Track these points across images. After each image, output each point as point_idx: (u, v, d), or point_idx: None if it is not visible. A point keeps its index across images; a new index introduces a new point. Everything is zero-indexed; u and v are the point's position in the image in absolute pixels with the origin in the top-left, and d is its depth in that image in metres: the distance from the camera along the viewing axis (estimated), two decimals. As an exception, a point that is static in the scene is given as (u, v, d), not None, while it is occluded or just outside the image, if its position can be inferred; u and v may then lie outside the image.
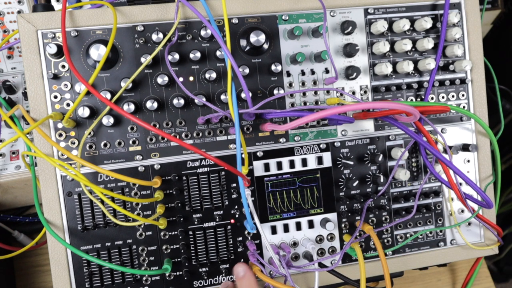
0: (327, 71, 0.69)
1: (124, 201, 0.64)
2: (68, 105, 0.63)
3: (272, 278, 0.67)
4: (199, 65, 0.65)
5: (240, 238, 0.68)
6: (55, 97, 0.62)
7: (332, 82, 0.68)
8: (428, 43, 0.69)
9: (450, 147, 0.71)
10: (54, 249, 0.63)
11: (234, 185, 0.67)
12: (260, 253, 0.68)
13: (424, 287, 0.93)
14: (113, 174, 0.56)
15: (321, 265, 0.67)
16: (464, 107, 0.74)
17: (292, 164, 0.69)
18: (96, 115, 0.63)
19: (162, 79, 0.62)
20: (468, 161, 0.74)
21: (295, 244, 0.69)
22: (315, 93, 0.69)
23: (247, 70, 0.65)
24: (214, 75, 0.64)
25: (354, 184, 0.69)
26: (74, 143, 0.63)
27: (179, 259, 0.66)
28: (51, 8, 0.65)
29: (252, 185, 0.68)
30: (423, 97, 0.72)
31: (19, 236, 0.82)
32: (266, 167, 0.68)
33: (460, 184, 0.73)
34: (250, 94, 0.65)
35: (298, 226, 0.69)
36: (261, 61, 0.67)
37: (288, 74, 0.68)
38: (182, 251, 0.66)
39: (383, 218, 0.72)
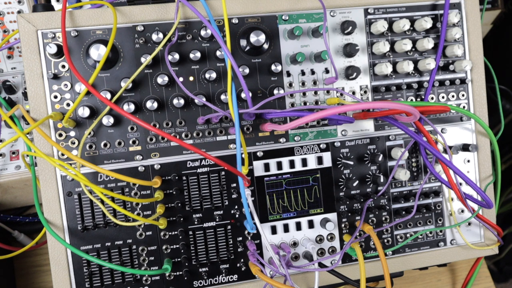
0: (327, 71, 0.69)
1: (124, 201, 0.64)
2: (68, 105, 0.63)
3: (272, 278, 0.67)
4: (199, 65, 0.65)
5: (240, 238, 0.68)
6: (55, 97, 0.62)
7: (332, 82, 0.68)
8: (428, 43, 0.69)
9: (450, 147, 0.71)
10: (54, 249, 0.63)
11: (234, 185, 0.67)
12: (260, 253, 0.68)
13: (424, 287, 0.93)
14: (113, 174, 0.56)
15: (321, 265, 0.67)
16: (464, 107, 0.74)
17: (292, 164, 0.69)
18: (96, 115, 0.63)
19: (162, 79, 0.63)
20: (468, 161, 0.74)
21: (295, 244, 0.69)
22: (315, 93, 0.69)
23: (247, 70, 0.65)
24: (214, 75, 0.64)
25: (354, 184, 0.69)
26: (74, 143, 0.63)
27: (179, 259, 0.66)
28: (51, 8, 0.65)
29: (252, 185, 0.68)
30: (423, 97, 0.72)
31: (19, 236, 0.82)
32: (266, 167, 0.68)
33: (460, 184, 0.73)
34: (250, 94, 0.65)
35: (298, 226, 0.69)
36: (261, 61, 0.67)
37: (288, 74, 0.68)
38: (182, 251, 0.66)
39: (383, 218, 0.72)
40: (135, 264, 0.66)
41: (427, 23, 0.68)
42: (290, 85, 0.68)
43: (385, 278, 0.62)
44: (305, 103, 0.69)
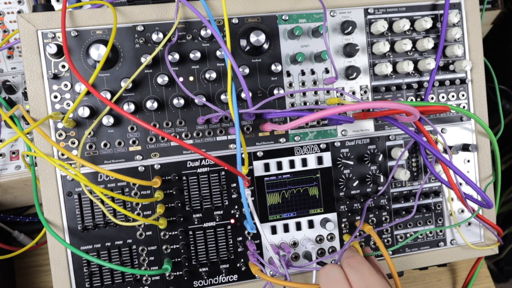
0: (327, 71, 0.69)
1: (124, 201, 0.64)
2: (68, 105, 0.63)
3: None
4: (199, 65, 0.65)
5: (240, 238, 0.68)
6: (55, 97, 0.62)
7: (332, 82, 0.68)
8: (428, 43, 0.69)
9: (450, 147, 0.71)
10: (54, 249, 0.63)
11: (234, 185, 0.67)
12: (260, 253, 0.68)
13: (424, 287, 0.93)
14: (113, 174, 0.56)
15: (321, 265, 0.67)
16: (464, 107, 0.74)
17: (292, 164, 0.69)
18: (96, 115, 0.63)
19: (162, 79, 0.62)
20: (468, 161, 0.74)
21: (295, 244, 0.69)
22: (315, 93, 0.69)
23: (247, 70, 0.65)
24: (214, 75, 0.64)
25: (354, 184, 0.69)
26: (74, 143, 0.63)
27: (179, 259, 0.66)
28: (51, 8, 0.65)
29: (252, 185, 0.68)
30: (423, 97, 0.72)
31: (19, 236, 0.82)
32: (266, 167, 0.68)
33: (460, 184, 0.73)
34: (250, 94, 0.65)
35: (298, 226, 0.69)
36: (261, 61, 0.67)
37: (288, 74, 0.68)
38: (182, 251, 0.66)
39: (383, 218, 0.72)
40: (135, 264, 0.66)
41: (427, 23, 0.68)
42: (290, 85, 0.68)
43: (392, 273, 0.62)
44: (305, 103, 0.69)
